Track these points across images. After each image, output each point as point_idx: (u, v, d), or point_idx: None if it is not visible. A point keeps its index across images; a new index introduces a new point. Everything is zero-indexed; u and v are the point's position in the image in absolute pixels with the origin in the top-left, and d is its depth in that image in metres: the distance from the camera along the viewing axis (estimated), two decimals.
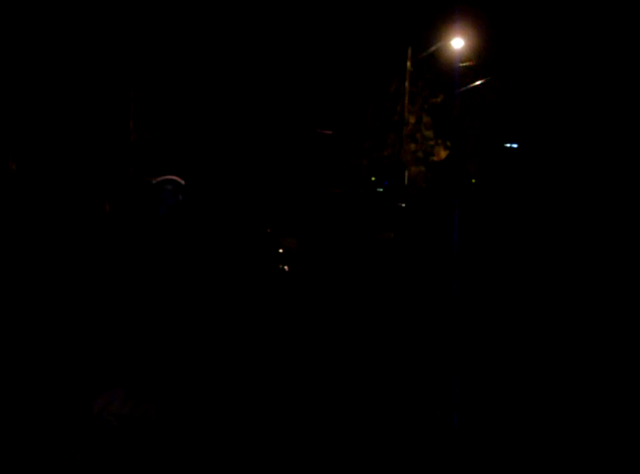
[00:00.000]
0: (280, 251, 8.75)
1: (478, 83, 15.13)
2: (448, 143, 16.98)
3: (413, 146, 18.02)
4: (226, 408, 4.16)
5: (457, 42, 16.93)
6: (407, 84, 18.27)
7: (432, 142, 17.65)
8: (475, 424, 4.06)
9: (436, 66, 18.11)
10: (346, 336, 6.24)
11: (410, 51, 18.43)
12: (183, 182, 7.21)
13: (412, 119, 18.12)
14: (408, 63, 18.44)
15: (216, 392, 4.45)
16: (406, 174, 16.88)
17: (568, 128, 7.19)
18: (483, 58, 16.51)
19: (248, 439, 3.78)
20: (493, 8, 16.62)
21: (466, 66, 16.58)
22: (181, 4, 15.93)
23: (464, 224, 8.53)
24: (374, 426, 3.89)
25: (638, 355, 4.48)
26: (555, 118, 7.44)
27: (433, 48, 17.58)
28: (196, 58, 15.99)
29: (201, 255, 6.78)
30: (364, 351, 5.89)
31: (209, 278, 6.40)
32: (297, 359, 5.71)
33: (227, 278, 6.66)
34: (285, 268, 8.59)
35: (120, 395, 3.82)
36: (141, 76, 15.45)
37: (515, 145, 9.37)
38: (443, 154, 17.09)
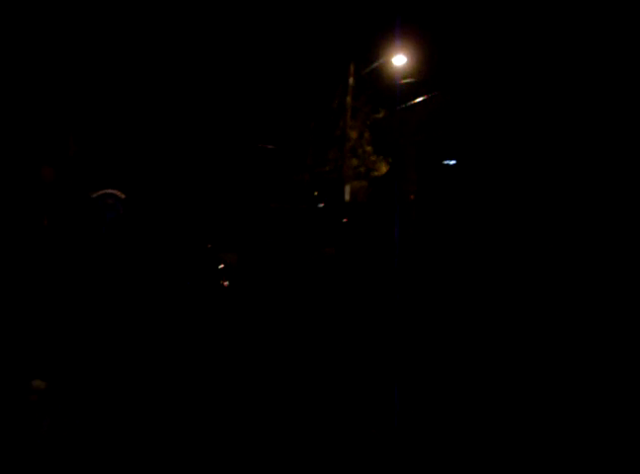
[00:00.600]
0: (221, 266, 8.73)
1: (419, 100, 15.36)
2: (390, 159, 17.18)
3: (355, 161, 18.18)
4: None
5: (399, 59, 17.19)
6: (349, 99, 18.44)
7: (373, 157, 17.85)
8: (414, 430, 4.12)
9: (378, 82, 18.33)
10: (280, 352, 6.24)
11: (352, 67, 18.63)
12: (123, 195, 7.13)
13: (354, 135, 18.29)
14: (350, 79, 18.63)
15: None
16: (348, 189, 17.03)
17: (505, 146, 7.37)
18: (424, 75, 16.78)
19: None
20: (435, 26, 16.92)
21: (408, 83, 16.83)
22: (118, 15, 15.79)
23: (403, 239, 8.66)
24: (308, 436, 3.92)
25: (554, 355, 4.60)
26: (492, 137, 7.64)
27: (375, 65, 17.81)
28: (135, 70, 15.84)
29: (140, 269, 6.73)
30: (301, 364, 5.91)
31: (145, 292, 6.34)
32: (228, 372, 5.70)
33: (163, 293, 6.61)
34: (225, 283, 8.57)
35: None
36: (79, 89, 15.25)
37: (452, 162, 9.54)
38: (385, 169, 17.29)
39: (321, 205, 15.00)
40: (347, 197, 17.00)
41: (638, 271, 6.12)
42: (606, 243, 6.09)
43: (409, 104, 15.14)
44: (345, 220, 12.25)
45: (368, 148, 18.03)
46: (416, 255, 8.14)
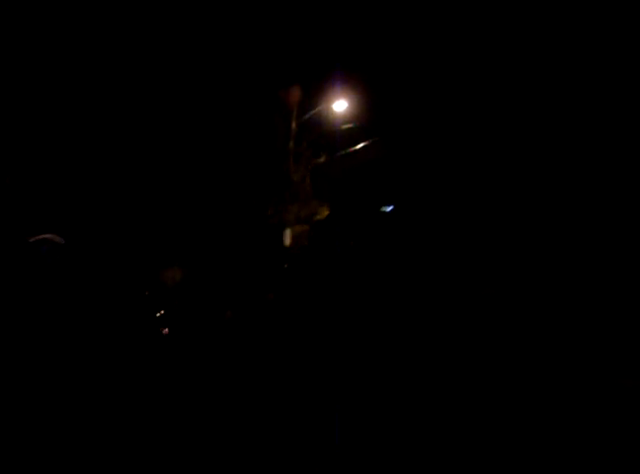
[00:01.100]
0: (159, 313, 8.67)
1: (359, 145, 15.62)
2: (329, 204, 17.36)
3: (296, 206, 18.31)
4: None
5: (340, 105, 17.49)
6: (291, 144, 18.64)
7: (315, 202, 18.00)
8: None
9: (320, 127, 18.60)
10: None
11: (295, 112, 18.88)
12: (61, 240, 7.05)
13: (296, 179, 18.45)
14: (292, 123, 18.85)
15: None
16: (289, 233, 17.12)
17: (440, 193, 7.56)
18: (365, 121, 17.10)
19: None
20: (376, 74, 17.29)
21: (349, 128, 17.12)
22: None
23: (343, 284, 8.76)
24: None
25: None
26: (428, 184, 7.84)
27: (316, 109, 18.08)
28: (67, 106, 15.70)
29: (73, 317, 6.65)
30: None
31: (77, 341, 6.27)
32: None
33: (99, 342, 6.54)
34: (165, 330, 8.51)
35: None
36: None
37: (389, 208, 9.73)
38: (326, 214, 17.45)
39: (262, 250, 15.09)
40: (288, 241, 17.08)
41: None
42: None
43: (350, 150, 15.40)
44: (285, 266, 12.31)
45: (310, 193, 18.20)
46: (354, 299, 8.25)
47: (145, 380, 6.32)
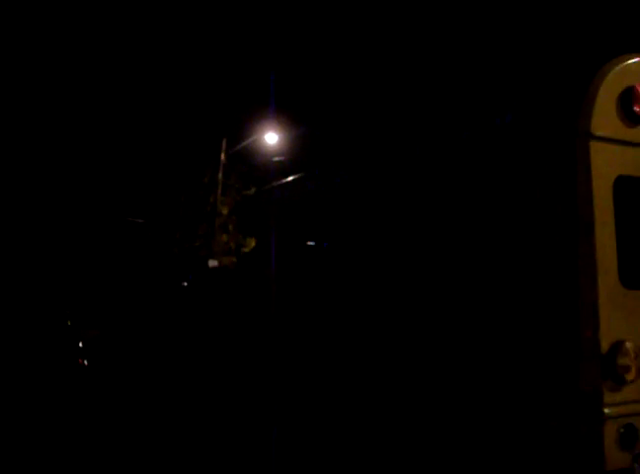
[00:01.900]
0: (80, 344, 8.50)
1: (288, 179, 15.71)
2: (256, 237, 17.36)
3: (225, 237, 18.25)
4: None
5: (271, 138, 17.59)
6: (220, 175, 18.61)
7: (243, 237, 17.97)
8: None
9: (249, 159, 18.65)
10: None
11: (224, 144, 18.88)
12: None
13: (224, 211, 18.41)
14: (222, 155, 18.84)
15: None
16: (216, 264, 17.00)
17: (365, 232, 7.68)
18: (294, 154, 17.24)
19: None
20: (307, 108, 17.50)
21: (279, 161, 17.20)
22: None
23: (267, 315, 8.75)
24: None
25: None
26: (351, 221, 7.94)
27: (247, 142, 18.12)
28: None
29: None
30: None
31: None
32: None
33: (16, 370, 6.41)
34: (85, 362, 8.33)
35: None
36: None
37: (313, 243, 9.80)
38: (254, 245, 17.43)
39: (185, 284, 14.91)
40: (209, 274, 16.96)
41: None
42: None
43: (277, 183, 15.48)
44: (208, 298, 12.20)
45: (237, 225, 18.18)
46: (276, 329, 8.24)
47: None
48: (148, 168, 18.18)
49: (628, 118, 3.72)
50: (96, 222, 16.91)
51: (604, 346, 3.47)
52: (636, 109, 3.71)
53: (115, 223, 17.46)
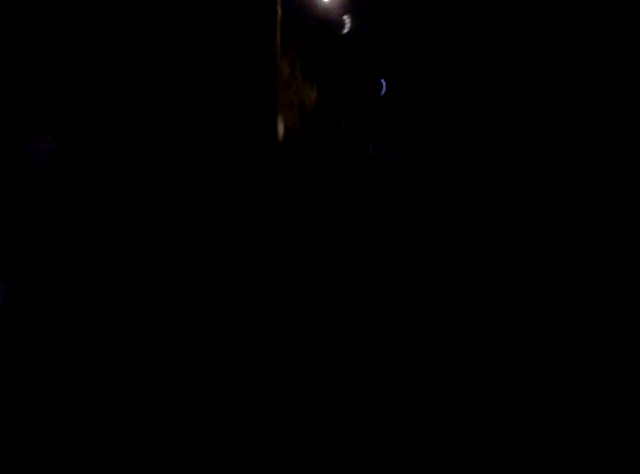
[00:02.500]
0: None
1: (347, 29, 15.29)
2: (319, 87, 17.14)
3: (288, 96, 18.08)
4: None
5: None
6: (279, 32, 18.20)
7: (307, 90, 17.77)
8: None
9: (309, 11, 18.12)
10: None
11: None
12: (54, 144, 7.10)
13: (286, 67, 18.14)
14: (278, 9, 18.35)
15: None
16: (282, 124, 16.98)
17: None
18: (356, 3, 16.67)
19: None
20: None
21: (340, 12, 16.66)
22: None
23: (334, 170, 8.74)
24: None
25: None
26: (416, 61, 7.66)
27: None
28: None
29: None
30: None
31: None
32: None
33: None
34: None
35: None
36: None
37: (383, 83, 9.51)
38: (317, 98, 17.26)
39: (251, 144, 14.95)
40: (280, 133, 16.98)
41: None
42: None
43: (339, 32, 15.08)
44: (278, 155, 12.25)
45: (301, 79, 17.94)
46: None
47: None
48: (208, 32, 17.82)
49: None
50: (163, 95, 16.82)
51: None
52: None
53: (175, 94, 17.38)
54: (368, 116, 6.43)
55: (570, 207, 5.32)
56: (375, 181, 3.98)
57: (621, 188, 6.00)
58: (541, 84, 6.10)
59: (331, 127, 3.87)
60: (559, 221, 4.53)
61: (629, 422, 3.61)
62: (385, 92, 7.86)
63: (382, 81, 8.32)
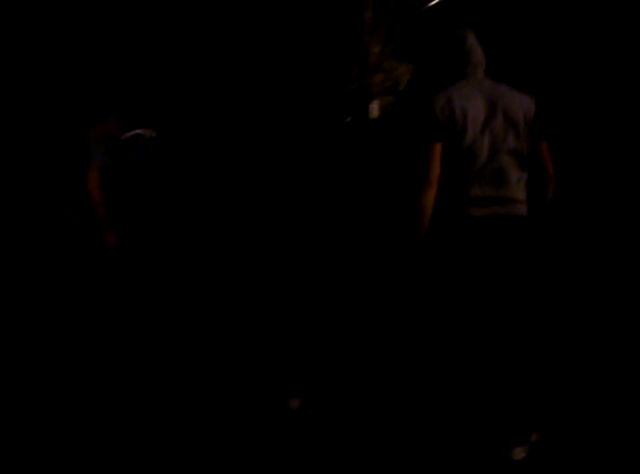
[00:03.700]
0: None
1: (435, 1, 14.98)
2: (411, 66, 16.91)
3: (380, 76, 17.94)
4: None
5: None
6: (370, 13, 18.09)
7: (399, 70, 17.58)
8: None
9: None
10: None
11: None
12: (154, 134, 7.29)
13: (377, 49, 18.00)
14: None
15: None
16: (376, 105, 16.86)
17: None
18: None
19: None
20: None
21: None
22: None
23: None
24: None
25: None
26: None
27: None
28: None
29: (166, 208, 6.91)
30: None
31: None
32: None
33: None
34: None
35: None
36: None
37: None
38: (408, 77, 17.06)
39: (348, 120, 14.90)
40: (375, 113, 16.86)
41: None
42: None
43: (430, 5, 14.80)
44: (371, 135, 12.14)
45: (393, 61, 17.76)
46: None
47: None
48: (296, 12, 17.86)
49: None
50: (254, 74, 17.00)
51: None
52: None
53: (270, 73, 17.54)
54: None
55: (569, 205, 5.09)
56: None
57: (619, 186, 5.74)
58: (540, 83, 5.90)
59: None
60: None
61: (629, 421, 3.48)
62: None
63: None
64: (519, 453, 3.50)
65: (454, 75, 3.82)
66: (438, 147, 3.62)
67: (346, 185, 10.36)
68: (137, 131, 7.15)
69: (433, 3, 14.59)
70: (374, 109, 16.60)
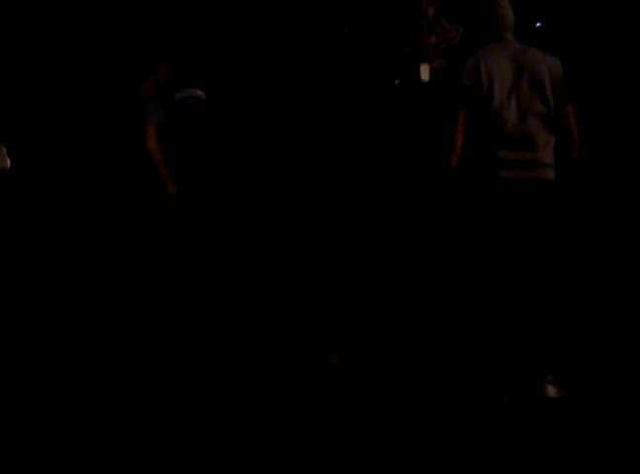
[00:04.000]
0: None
1: None
2: (461, 30, 16.67)
3: (433, 39, 17.75)
4: None
5: None
6: None
7: (452, 33, 17.36)
8: None
9: None
10: None
11: None
12: (204, 95, 7.47)
13: (431, 11, 17.80)
14: None
15: None
16: (427, 68, 16.71)
17: None
18: None
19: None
20: None
21: None
22: None
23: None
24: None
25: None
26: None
27: None
28: None
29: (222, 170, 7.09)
30: None
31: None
32: None
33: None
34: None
35: None
36: None
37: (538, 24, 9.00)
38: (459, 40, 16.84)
39: (396, 82, 14.78)
40: (426, 76, 16.72)
41: None
42: None
43: None
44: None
45: (447, 24, 17.54)
46: None
47: None
48: None
49: None
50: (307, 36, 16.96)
51: None
52: None
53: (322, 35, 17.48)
54: None
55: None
56: None
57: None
58: None
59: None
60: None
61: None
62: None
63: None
64: (553, 392, 3.64)
65: (485, 37, 3.87)
66: (462, 114, 3.71)
67: (390, 144, 10.35)
68: (188, 92, 7.32)
69: None
70: (425, 72, 16.45)
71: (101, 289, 6.29)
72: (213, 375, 4.42)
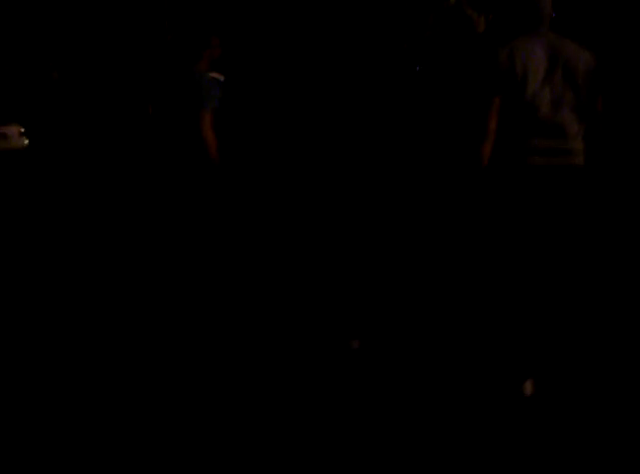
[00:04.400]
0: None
1: None
2: (490, 17, 16.57)
3: (456, 22, 17.61)
4: None
5: None
6: None
7: (474, 17, 17.23)
8: None
9: None
10: None
11: None
12: (222, 77, 7.44)
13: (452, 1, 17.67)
14: None
15: None
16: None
17: None
18: None
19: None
20: None
21: None
22: None
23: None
24: None
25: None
26: None
27: None
28: None
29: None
30: None
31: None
32: None
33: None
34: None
35: None
36: None
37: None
38: (484, 26, 16.71)
39: (417, 69, 14.74)
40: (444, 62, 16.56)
41: None
42: None
43: None
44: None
45: (469, 10, 17.42)
46: None
47: None
48: None
49: None
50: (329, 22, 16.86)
51: None
52: None
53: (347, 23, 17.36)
54: None
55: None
56: None
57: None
58: None
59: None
60: None
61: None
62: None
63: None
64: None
65: (522, 27, 3.87)
66: (496, 101, 3.71)
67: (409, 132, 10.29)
68: (211, 74, 7.29)
69: None
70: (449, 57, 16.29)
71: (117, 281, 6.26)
72: (229, 364, 4.41)
